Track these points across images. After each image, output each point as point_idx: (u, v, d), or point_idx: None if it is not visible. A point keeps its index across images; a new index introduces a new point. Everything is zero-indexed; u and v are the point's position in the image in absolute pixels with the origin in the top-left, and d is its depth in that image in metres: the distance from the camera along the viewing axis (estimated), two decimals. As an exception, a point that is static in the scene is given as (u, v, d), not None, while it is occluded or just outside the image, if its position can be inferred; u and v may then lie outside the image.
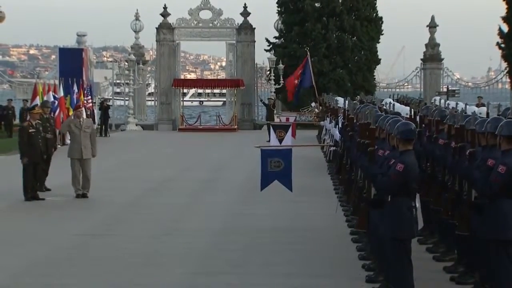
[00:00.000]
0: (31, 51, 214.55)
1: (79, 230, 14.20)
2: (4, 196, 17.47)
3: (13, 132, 38.18)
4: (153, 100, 49.18)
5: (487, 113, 10.97)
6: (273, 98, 41.75)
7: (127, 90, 45.86)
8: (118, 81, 48.35)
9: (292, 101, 42.29)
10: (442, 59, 49.24)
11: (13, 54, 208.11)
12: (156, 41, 46.58)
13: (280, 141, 18.21)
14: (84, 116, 35.56)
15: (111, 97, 48.09)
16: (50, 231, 14.08)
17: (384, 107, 14.24)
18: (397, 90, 46.97)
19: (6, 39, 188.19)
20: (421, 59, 49.63)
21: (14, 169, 17.43)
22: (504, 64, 48.92)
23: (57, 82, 36.22)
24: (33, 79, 55.26)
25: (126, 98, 45.60)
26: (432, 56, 48.89)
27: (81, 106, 20.69)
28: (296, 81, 41.18)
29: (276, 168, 13.77)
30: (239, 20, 46.10)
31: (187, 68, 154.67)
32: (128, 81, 45.64)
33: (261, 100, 43.68)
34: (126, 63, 46.41)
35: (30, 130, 17.29)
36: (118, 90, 50.58)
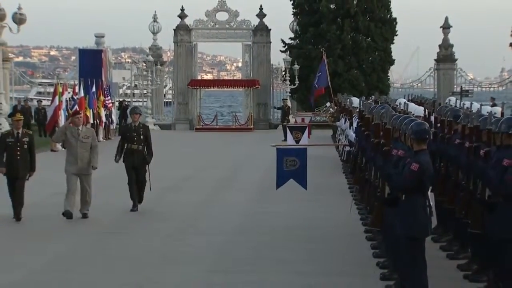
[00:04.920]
0: (52, 52, 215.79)
1: (96, 227, 14.24)
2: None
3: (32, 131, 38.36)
4: (170, 100, 49.47)
5: (502, 113, 10.92)
6: (287, 99, 41.59)
7: (144, 91, 45.96)
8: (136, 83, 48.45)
9: (310, 102, 42.42)
10: (456, 60, 49.09)
11: (34, 55, 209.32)
12: (174, 42, 46.67)
13: (297, 142, 18.23)
14: (104, 117, 36.04)
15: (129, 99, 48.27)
16: (68, 229, 14.11)
17: (401, 108, 14.17)
18: (413, 89, 46.84)
19: (28, 40, 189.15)
20: (435, 60, 49.48)
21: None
22: (517, 65, 48.79)
23: (77, 82, 36.38)
24: (53, 79, 55.50)
25: (145, 100, 45.70)
26: (445, 56, 48.74)
27: (80, 112, 16.61)
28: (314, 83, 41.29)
29: (291, 166, 13.78)
30: (255, 21, 46.13)
31: (204, 68, 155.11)
32: (145, 82, 45.72)
33: (275, 107, 43.82)
34: (144, 64, 46.50)
35: (7, 140, 14.76)
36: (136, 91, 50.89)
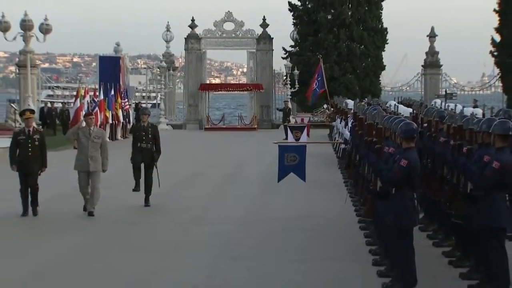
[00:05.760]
0: (75, 59, 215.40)
1: (114, 219, 14.19)
2: (46, 185, 16.25)
3: (56, 131, 38.55)
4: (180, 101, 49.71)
5: (483, 114, 10.89)
6: (288, 101, 41.62)
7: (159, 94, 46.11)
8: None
9: (309, 102, 42.46)
10: (441, 66, 48.95)
11: (59, 62, 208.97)
12: (185, 49, 46.66)
13: (297, 140, 18.18)
14: (122, 117, 36.05)
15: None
16: (88, 220, 14.02)
17: (392, 109, 14.15)
18: (402, 92, 46.75)
19: (53, 48, 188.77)
20: (422, 66, 49.35)
21: (56, 162, 16.93)
22: (497, 70, 48.80)
23: (97, 86, 36.46)
24: (76, 84, 55.59)
25: (159, 102, 45.75)
26: (432, 63, 48.63)
27: (92, 114, 15.80)
28: (314, 85, 41.40)
29: (292, 161, 13.78)
30: (259, 31, 46.10)
31: (212, 74, 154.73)
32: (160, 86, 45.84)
33: (277, 108, 43.95)
34: (158, 70, 46.51)
35: (19, 137, 14.17)
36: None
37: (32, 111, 14.92)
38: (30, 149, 14.10)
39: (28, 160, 14.09)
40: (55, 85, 64.58)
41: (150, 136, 15.54)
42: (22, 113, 14.66)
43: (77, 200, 14.81)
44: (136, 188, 15.68)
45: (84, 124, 14.94)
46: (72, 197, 15.90)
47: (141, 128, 15.72)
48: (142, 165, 15.67)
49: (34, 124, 14.75)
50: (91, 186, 14.27)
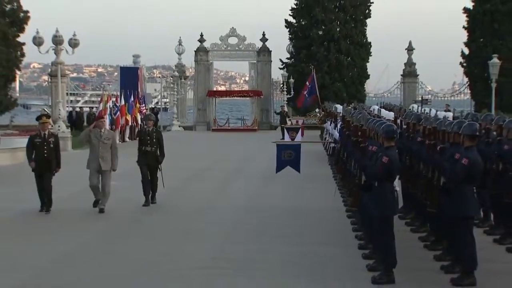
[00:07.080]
0: (99, 69, 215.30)
1: (131, 209, 14.09)
2: (68, 183, 16.60)
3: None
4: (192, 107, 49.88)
5: (454, 117, 10.88)
6: (284, 105, 41.67)
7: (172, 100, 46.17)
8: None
9: (300, 107, 42.58)
10: (418, 75, 48.93)
11: (85, 72, 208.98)
12: (195, 61, 46.69)
13: (292, 140, 18.17)
14: (140, 120, 36.10)
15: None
16: (108, 210, 13.82)
17: (375, 113, 14.12)
18: (384, 98, 46.71)
19: (80, 59, 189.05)
20: (401, 75, 49.32)
21: (77, 161, 16.48)
22: (466, 79, 48.87)
23: (119, 93, 36.47)
24: (100, 91, 55.55)
25: (168, 106, 45.90)
26: (409, 72, 48.61)
27: (103, 117, 15.16)
28: (304, 92, 41.46)
29: (288, 157, 13.80)
30: (259, 44, 46.12)
31: (218, 82, 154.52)
32: (172, 92, 45.92)
33: (275, 112, 44.04)
34: (171, 78, 46.55)
35: (35, 140, 13.58)
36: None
37: (48, 116, 14.30)
38: (45, 151, 13.52)
39: (43, 162, 13.51)
40: (82, 92, 64.42)
41: (154, 140, 14.64)
42: (38, 118, 13.96)
43: (93, 197, 14.34)
44: (146, 204, 14.45)
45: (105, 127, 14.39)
46: (90, 193, 15.76)
47: (146, 133, 14.83)
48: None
49: (50, 128, 14.31)
50: (101, 184, 13.65)
